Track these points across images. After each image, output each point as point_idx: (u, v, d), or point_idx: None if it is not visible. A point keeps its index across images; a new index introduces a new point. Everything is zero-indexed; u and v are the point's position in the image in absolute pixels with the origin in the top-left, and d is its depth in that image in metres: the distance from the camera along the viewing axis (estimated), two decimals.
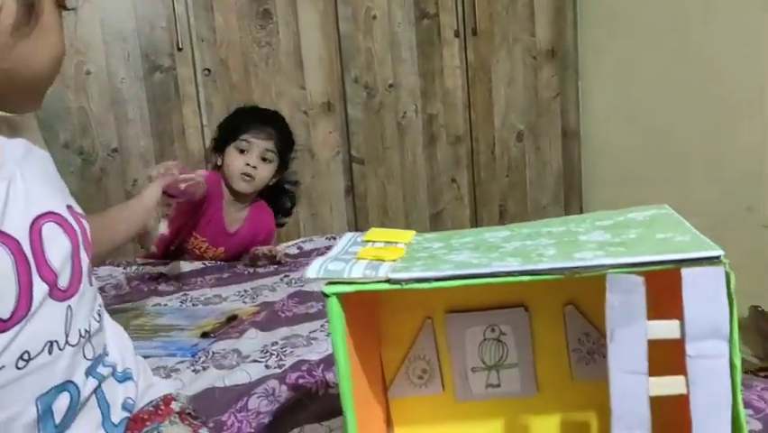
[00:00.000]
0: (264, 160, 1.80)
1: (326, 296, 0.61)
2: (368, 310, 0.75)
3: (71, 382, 0.66)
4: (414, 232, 0.72)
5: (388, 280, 0.60)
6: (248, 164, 1.77)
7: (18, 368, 0.61)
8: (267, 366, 1.10)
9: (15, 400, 0.62)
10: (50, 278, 0.64)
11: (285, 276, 1.61)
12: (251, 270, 1.70)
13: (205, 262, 1.77)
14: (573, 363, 0.76)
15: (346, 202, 2.43)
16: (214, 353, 1.18)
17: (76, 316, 0.66)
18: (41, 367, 0.63)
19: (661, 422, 0.59)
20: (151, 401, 0.78)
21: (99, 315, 0.72)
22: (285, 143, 1.85)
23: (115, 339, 0.77)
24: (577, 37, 2.76)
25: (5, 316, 0.60)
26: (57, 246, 0.65)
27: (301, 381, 1.03)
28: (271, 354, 1.14)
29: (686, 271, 0.56)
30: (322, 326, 1.24)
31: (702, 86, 2.30)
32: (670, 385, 0.58)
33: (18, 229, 0.62)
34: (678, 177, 2.43)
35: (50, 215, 0.66)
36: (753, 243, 2.18)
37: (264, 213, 1.91)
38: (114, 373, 0.73)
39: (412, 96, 2.50)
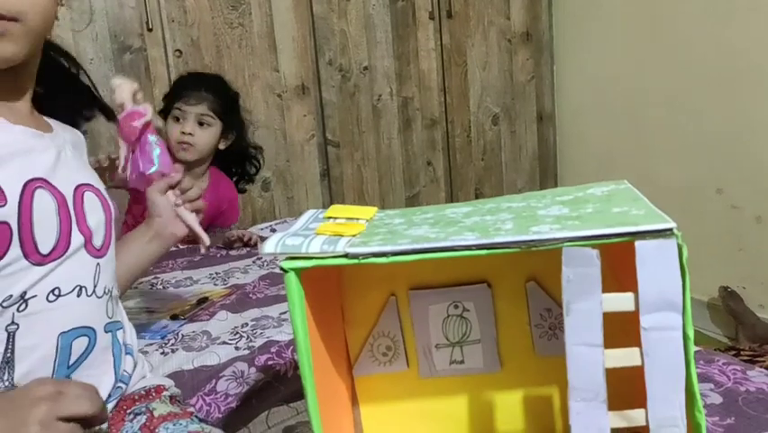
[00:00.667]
0: (201, 124, 1.77)
1: (284, 271, 0.61)
2: (331, 289, 0.75)
3: (92, 328, 0.73)
4: (376, 209, 0.72)
5: (346, 255, 0.60)
6: (183, 132, 1.74)
7: (48, 301, 0.68)
8: (236, 348, 1.10)
9: (40, 331, 0.68)
10: (86, 233, 0.75)
11: (257, 259, 1.60)
12: (224, 252, 1.69)
13: (178, 244, 1.75)
14: (535, 339, 0.76)
15: (322, 186, 2.42)
16: (183, 335, 1.17)
17: (103, 273, 0.76)
18: (69, 306, 0.70)
19: (617, 394, 0.60)
20: (144, 386, 0.82)
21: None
22: (223, 105, 1.81)
23: (124, 317, 0.84)
24: (552, 20, 2.76)
25: (45, 251, 0.69)
26: (94, 212, 0.77)
27: (270, 362, 1.03)
28: (241, 336, 1.14)
29: (639, 244, 0.56)
30: None
31: (676, 70, 2.31)
32: (625, 357, 0.59)
33: (64, 187, 0.73)
34: (651, 159, 2.45)
35: (90, 186, 0.78)
36: (723, 224, 2.22)
37: (223, 181, 1.89)
38: (124, 342, 0.80)
39: (387, 79, 2.49)
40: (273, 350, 1.04)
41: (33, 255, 0.68)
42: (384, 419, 0.78)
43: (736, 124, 2.15)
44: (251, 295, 1.35)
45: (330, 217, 0.70)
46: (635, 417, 0.59)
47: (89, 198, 0.77)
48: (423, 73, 2.55)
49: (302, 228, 0.67)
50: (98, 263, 0.76)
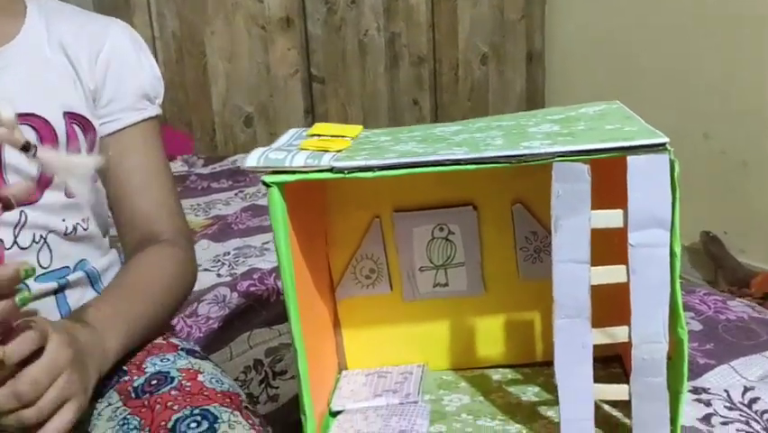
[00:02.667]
0: None
1: (267, 185, 0.59)
2: (314, 210, 0.74)
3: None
4: (362, 127, 0.70)
5: (331, 169, 0.58)
6: None
7: None
8: (218, 275, 1.09)
9: None
10: None
11: (239, 191, 1.59)
12: (205, 184, 1.66)
13: None
14: (520, 262, 0.76)
15: (305, 122, 2.38)
16: None
17: (32, 221, 0.67)
18: None
19: (600, 313, 0.60)
20: None
21: (75, 229, 0.72)
22: None
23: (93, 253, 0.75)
24: None
25: None
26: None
27: (252, 288, 1.03)
28: (223, 264, 1.13)
29: (631, 159, 0.55)
30: None
31: (666, 14, 2.27)
32: (611, 274, 0.58)
33: None
34: (639, 103, 2.42)
35: (27, 117, 0.66)
36: (708, 169, 2.22)
37: None
38: (92, 276, 0.73)
39: (374, 14, 2.43)
40: (255, 276, 1.03)
41: None
42: (366, 342, 0.78)
43: (725, 69, 2.13)
44: (233, 226, 1.33)
45: (314, 135, 0.68)
46: (618, 334, 0.59)
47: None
48: (411, 8, 2.49)
49: (286, 144, 0.65)
50: (23, 211, 0.67)
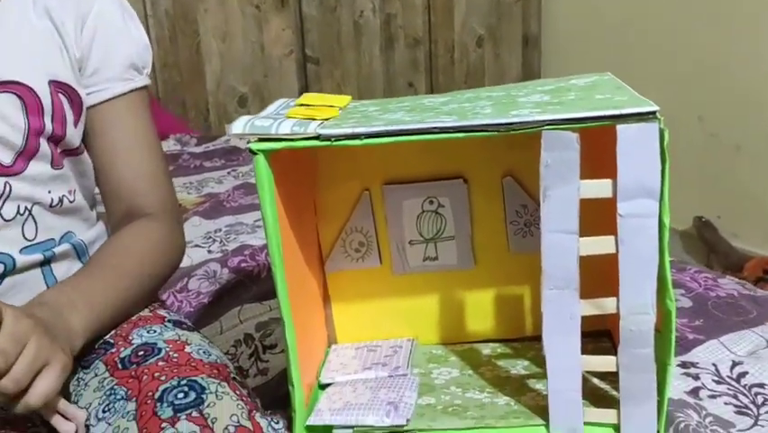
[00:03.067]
0: None
1: (253, 153, 0.59)
2: (304, 182, 0.73)
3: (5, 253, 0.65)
4: (350, 97, 0.69)
5: (318, 137, 0.58)
6: None
7: None
8: (209, 251, 1.09)
9: None
10: None
11: (232, 170, 1.58)
12: (198, 163, 1.66)
13: None
14: (510, 236, 0.75)
15: None
16: None
17: (15, 193, 0.66)
18: None
19: (589, 285, 0.59)
20: None
21: (61, 200, 0.71)
22: None
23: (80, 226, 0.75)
24: None
25: None
26: (4, 120, 0.64)
27: (243, 264, 1.02)
28: (214, 240, 1.13)
29: (621, 128, 0.54)
30: None
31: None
32: (599, 244, 0.58)
33: None
34: (634, 85, 2.42)
35: (10, 84, 0.65)
36: (701, 153, 2.21)
37: None
38: (79, 250, 0.72)
39: None
40: (246, 253, 1.03)
41: None
42: (356, 316, 0.78)
43: (721, 52, 2.12)
44: (225, 203, 1.33)
45: (302, 104, 0.67)
46: (607, 304, 0.59)
47: (0, 102, 0.65)
48: None
49: (273, 113, 0.64)
50: (7, 182, 0.66)
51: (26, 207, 0.67)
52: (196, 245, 1.11)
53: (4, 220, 0.66)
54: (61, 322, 0.60)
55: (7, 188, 0.65)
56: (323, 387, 0.71)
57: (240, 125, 0.59)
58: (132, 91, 0.75)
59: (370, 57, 2.47)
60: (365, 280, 0.77)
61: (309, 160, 0.74)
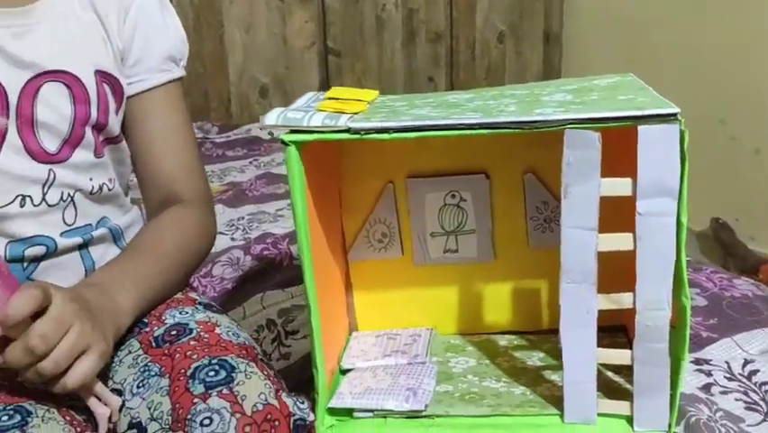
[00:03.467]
0: None
1: (285, 144, 0.61)
2: (329, 175, 0.75)
3: (46, 236, 0.68)
4: (377, 92, 0.71)
5: (348, 130, 0.60)
6: None
7: None
8: (232, 239, 1.11)
9: None
10: (29, 137, 0.66)
11: (254, 159, 1.60)
12: (220, 152, 1.68)
13: None
14: (530, 231, 0.77)
15: None
16: None
17: (59, 180, 0.68)
18: (11, 217, 0.65)
19: (606, 280, 0.61)
20: None
21: (101, 188, 0.73)
22: None
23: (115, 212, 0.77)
24: None
25: None
26: (50, 108, 0.67)
27: (265, 252, 1.05)
28: (237, 228, 1.15)
29: (642, 128, 0.56)
30: (289, 204, 1.24)
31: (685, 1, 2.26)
32: (618, 241, 0.60)
33: (8, 77, 0.64)
34: (656, 86, 2.41)
35: (59, 74, 0.67)
36: (721, 155, 2.21)
37: None
38: (116, 235, 0.75)
39: None
40: (268, 241, 1.05)
41: None
42: (377, 305, 0.80)
43: (744, 56, 2.12)
44: (247, 192, 1.35)
45: (331, 98, 0.69)
46: (623, 300, 0.61)
47: (49, 90, 0.68)
48: None
49: (303, 105, 0.66)
50: (51, 169, 0.68)
51: (69, 194, 0.70)
52: (220, 232, 1.13)
53: (48, 205, 0.68)
54: (110, 302, 0.63)
55: (51, 175, 0.68)
56: (343, 372, 0.73)
57: (273, 117, 0.61)
58: (169, 82, 0.78)
59: (391, 51, 2.48)
60: (386, 270, 0.79)
61: (335, 152, 0.76)
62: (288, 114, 0.62)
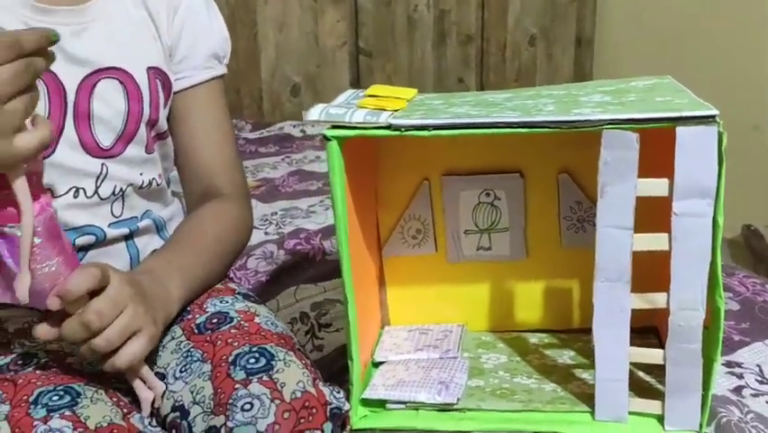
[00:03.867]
0: None
1: (327, 139, 0.62)
2: (367, 171, 0.77)
3: (95, 226, 0.71)
4: (416, 90, 0.73)
5: (389, 127, 0.61)
6: None
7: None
8: (266, 233, 1.13)
9: None
10: (84, 132, 0.68)
11: (286, 156, 1.63)
12: (253, 148, 1.71)
13: None
14: (563, 231, 0.78)
15: None
16: None
17: (112, 174, 0.71)
18: (65, 207, 0.67)
19: (640, 280, 0.62)
20: None
21: (150, 183, 0.76)
22: None
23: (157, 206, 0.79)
24: None
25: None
26: (105, 104, 0.69)
27: (299, 247, 1.07)
28: (270, 223, 1.17)
29: (681, 130, 0.57)
30: (321, 201, 1.26)
31: (719, 5, 2.23)
32: (653, 241, 0.60)
33: (66, 74, 0.66)
34: (688, 89, 2.39)
35: (112, 71, 0.69)
36: (756, 162, 2.18)
37: None
38: (159, 227, 0.78)
39: None
40: (302, 236, 1.07)
41: None
42: (409, 300, 0.81)
43: None
44: (279, 188, 1.37)
45: (372, 95, 0.70)
46: (657, 299, 0.61)
47: (104, 87, 0.70)
48: None
49: (345, 102, 0.68)
50: (104, 164, 0.70)
51: (120, 188, 0.72)
52: (254, 227, 1.15)
53: (100, 198, 0.71)
54: (163, 290, 0.65)
55: (104, 170, 0.71)
56: (376, 365, 0.74)
57: (315, 113, 0.63)
58: (212, 79, 0.80)
59: (422, 51, 2.49)
60: (420, 267, 0.81)
61: (373, 149, 0.77)
62: (330, 110, 0.63)
